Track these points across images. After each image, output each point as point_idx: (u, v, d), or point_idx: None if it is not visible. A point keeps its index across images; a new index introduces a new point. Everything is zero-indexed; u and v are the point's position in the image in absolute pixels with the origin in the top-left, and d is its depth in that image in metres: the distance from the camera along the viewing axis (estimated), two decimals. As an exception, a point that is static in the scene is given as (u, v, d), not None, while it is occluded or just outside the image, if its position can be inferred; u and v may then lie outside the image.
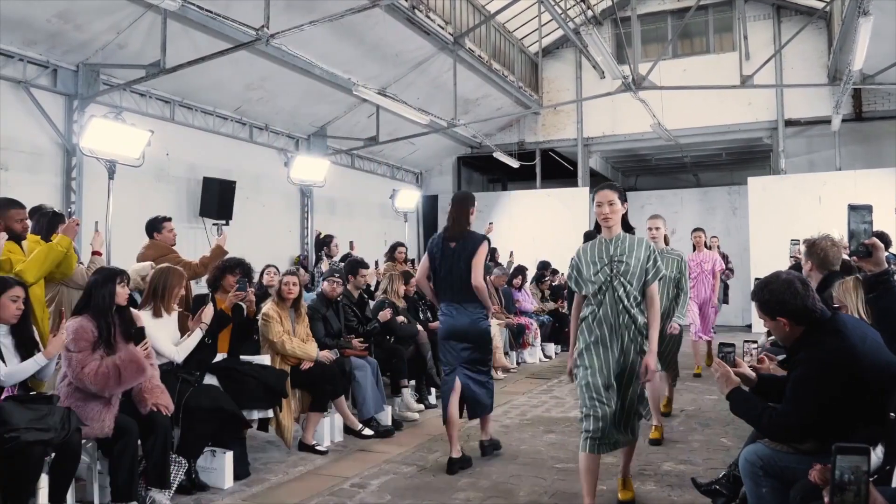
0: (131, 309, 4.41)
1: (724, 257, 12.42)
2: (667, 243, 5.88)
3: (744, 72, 13.03)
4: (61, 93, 8.19)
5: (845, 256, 4.29)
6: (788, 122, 14.08)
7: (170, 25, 7.95)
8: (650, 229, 5.80)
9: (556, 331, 11.34)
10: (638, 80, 11.18)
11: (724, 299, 13.13)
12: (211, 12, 8.16)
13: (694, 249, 9.06)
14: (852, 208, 3.16)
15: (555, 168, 16.90)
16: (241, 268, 5.38)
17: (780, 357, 3.62)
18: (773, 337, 4.71)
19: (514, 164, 15.08)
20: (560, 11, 11.31)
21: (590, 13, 14.06)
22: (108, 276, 4.20)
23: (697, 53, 15.10)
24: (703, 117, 14.21)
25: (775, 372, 3.36)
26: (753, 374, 3.18)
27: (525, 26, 14.71)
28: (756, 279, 3.73)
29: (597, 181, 16.58)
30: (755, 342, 3.72)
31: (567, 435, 5.95)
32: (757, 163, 17.08)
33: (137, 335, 4.11)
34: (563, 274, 12.61)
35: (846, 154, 13.66)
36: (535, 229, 14.87)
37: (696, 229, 9.22)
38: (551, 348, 11.26)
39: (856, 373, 2.69)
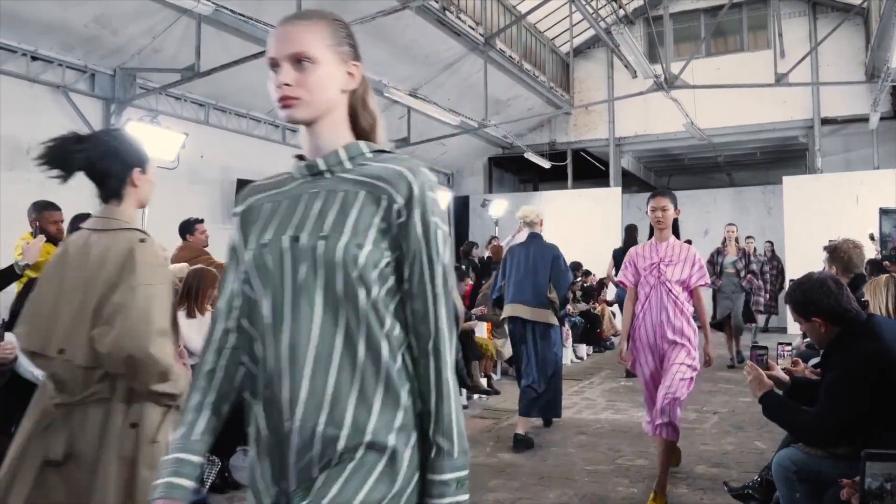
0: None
1: (746, 255, 9.22)
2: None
3: (778, 70, 12.81)
4: (99, 97, 8.37)
5: (877, 257, 4.23)
6: (824, 121, 13.85)
7: (204, 29, 8.08)
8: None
9: (588, 332, 11.27)
10: (670, 79, 11.09)
11: (750, 315, 9.66)
12: (244, 16, 8.25)
13: (650, 236, 4.58)
14: (884, 212, 3.12)
15: (586, 168, 16.81)
16: None
17: (814, 361, 3.58)
18: (808, 339, 4.65)
19: (546, 164, 15.03)
20: (591, 11, 11.24)
21: (621, 12, 13.93)
22: None
23: (731, 52, 14.92)
24: (737, 116, 14.02)
25: (809, 375, 3.31)
26: (787, 378, 3.14)
27: (556, 26, 14.65)
28: (791, 280, 3.68)
29: (629, 181, 16.48)
30: (789, 345, 3.68)
31: (598, 437, 5.92)
32: (792, 162, 16.81)
33: None
34: (594, 275, 12.53)
35: (884, 153, 13.40)
36: (566, 230, 14.70)
37: (655, 194, 4.64)
38: (583, 349, 11.19)
39: (891, 376, 2.65)
